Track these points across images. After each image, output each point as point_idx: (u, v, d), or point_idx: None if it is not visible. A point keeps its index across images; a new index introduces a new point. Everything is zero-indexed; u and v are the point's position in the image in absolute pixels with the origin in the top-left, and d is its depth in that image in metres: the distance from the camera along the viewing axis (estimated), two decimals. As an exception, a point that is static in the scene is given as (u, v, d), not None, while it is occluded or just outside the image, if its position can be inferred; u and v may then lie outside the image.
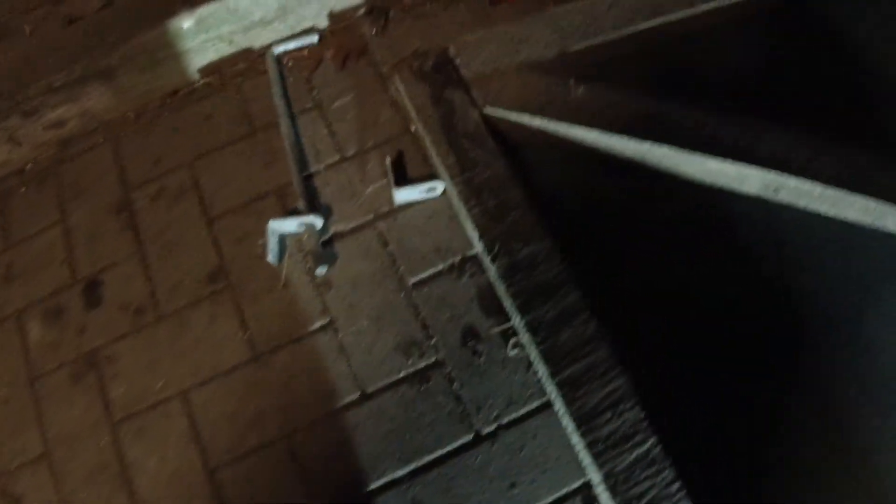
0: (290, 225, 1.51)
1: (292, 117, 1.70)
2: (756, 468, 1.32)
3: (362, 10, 1.85)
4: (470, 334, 1.44)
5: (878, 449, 1.33)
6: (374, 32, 1.82)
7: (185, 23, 1.68)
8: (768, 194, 1.53)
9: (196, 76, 1.81)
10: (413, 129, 1.62)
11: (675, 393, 1.38)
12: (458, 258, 1.50)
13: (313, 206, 1.56)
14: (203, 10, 1.68)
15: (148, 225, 1.64)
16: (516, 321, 1.37)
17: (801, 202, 1.52)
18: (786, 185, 1.49)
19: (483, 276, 1.48)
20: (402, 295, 1.48)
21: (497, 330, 1.44)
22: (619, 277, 1.48)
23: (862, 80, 1.64)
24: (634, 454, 1.22)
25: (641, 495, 1.19)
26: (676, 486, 1.19)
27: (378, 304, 1.47)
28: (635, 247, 1.52)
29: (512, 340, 1.43)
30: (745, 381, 1.39)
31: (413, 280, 1.49)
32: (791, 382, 1.41)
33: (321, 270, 1.48)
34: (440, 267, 1.50)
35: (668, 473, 1.20)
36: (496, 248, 1.37)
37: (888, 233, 1.50)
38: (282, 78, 1.77)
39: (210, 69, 1.81)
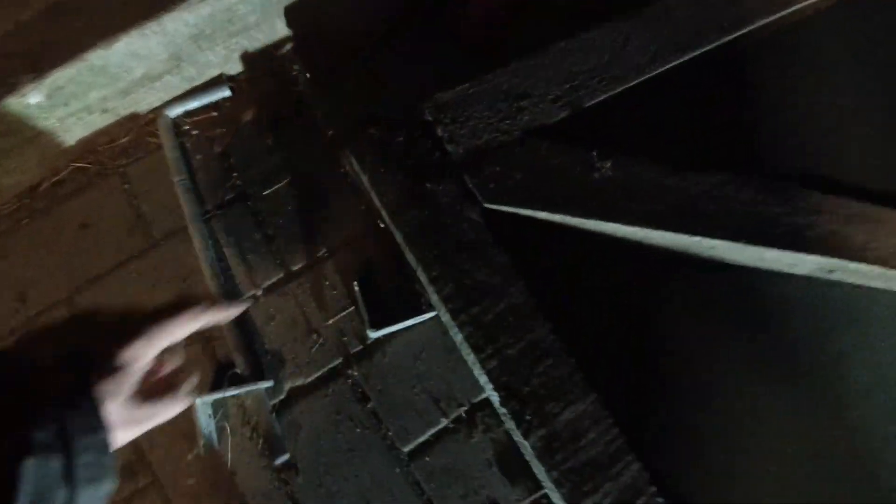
0: (226, 395, 1.07)
1: (206, 217, 1.22)
2: None
3: (288, 47, 1.34)
4: (493, 513, 1.08)
5: None
6: (308, 77, 1.33)
7: (33, 97, 1.15)
8: (821, 275, 1.22)
9: (61, 162, 1.28)
10: (382, 225, 1.18)
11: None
12: (464, 408, 1.12)
13: (254, 356, 1.12)
14: (56, 77, 1.15)
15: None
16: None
17: (853, 279, 1.23)
18: (843, 268, 1.18)
19: (500, 428, 1.11)
20: (396, 470, 1.09)
21: (528, 502, 1.09)
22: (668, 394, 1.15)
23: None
24: None
25: None
26: None
27: (365, 488, 1.08)
28: (688, 356, 1.18)
29: (548, 513, 1.08)
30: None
31: (408, 447, 1.10)
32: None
33: (282, 459, 1.06)
34: (442, 424, 1.11)
35: None
36: (527, 417, 0.99)
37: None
38: (185, 155, 1.27)
39: (80, 150, 1.28)
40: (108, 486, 0.48)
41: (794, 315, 1.24)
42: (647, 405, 1.11)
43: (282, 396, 1.12)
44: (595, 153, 1.12)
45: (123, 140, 1.30)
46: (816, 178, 1.27)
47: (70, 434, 0.45)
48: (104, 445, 0.48)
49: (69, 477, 0.45)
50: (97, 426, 0.48)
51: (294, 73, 1.34)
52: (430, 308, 1.13)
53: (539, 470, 1.02)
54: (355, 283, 1.12)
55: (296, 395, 1.13)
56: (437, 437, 1.11)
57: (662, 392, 1.14)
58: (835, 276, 1.23)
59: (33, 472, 0.43)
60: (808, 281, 1.25)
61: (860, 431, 1.16)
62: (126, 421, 0.54)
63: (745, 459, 1.09)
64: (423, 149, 1.12)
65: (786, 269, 1.24)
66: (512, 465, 1.10)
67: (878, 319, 1.26)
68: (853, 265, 1.18)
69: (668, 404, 1.12)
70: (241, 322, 1.15)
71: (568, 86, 1.16)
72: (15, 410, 0.46)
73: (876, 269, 1.17)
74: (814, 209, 1.18)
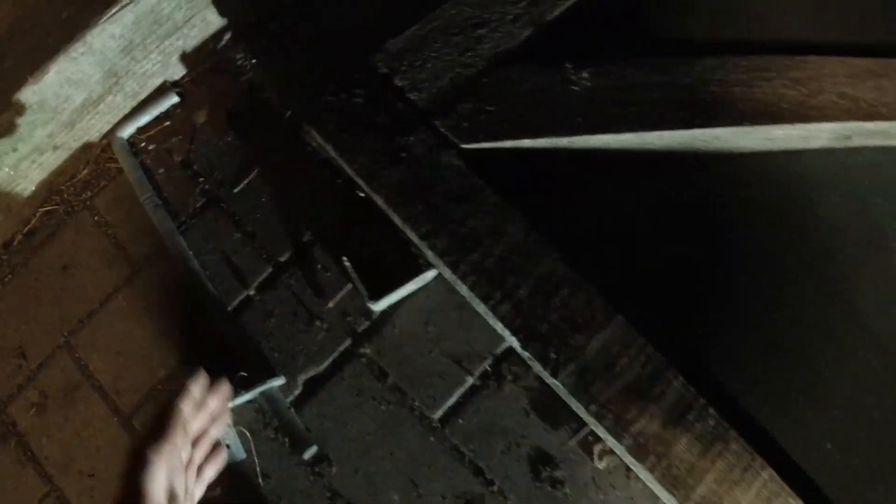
0: (239, 401, 1.03)
1: (182, 230, 1.17)
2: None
3: (227, 37, 1.28)
4: (541, 461, 1.03)
5: None
6: (253, 63, 1.26)
7: (-26, 148, 1.11)
8: (838, 144, 1.14)
9: (28, 211, 1.24)
10: (363, 194, 1.12)
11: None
12: (488, 362, 1.07)
13: (260, 356, 1.08)
14: (-6, 122, 1.10)
15: (46, 450, 1.13)
16: (605, 437, 0.96)
17: (873, 141, 1.13)
18: (859, 131, 1.10)
19: (529, 373, 1.06)
20: (431, 439, 1.05)
21: (574, 442, 1.03)
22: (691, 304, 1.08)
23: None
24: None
25: None
26: None
27: (404, 464, 1.04)
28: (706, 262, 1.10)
29: (597, 449, 1.03)
30: None
31: (438, 414, 1.06)
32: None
33: (310, 453, 1.02)
34: (468, 382, 1.06)
35: None
36: (552, 355, 0.93)
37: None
38: (146, 173, 1.22)
39: (43, 193, 1.24)
40: None
41: (818, 191, 1.15)
42: (678, 316, 1.05)
43: (298, 391, 1.08)
44: (569, 66, 1.04)
45: (83, 173, 1.25)
46: (812, 43, 1.18)
47: None
48: None
49: None
50: None
51: (239, 62, 1.27)
52: (430, 266, 1.07)
53: (577, 407, 0.97)
54: (344, 258, 1.06)
55: (312, 386, 1.08)
56: (466, 397, 1.06)
57: (690, 299, 1.07)
58: (854, 143, 1.15)
59: None
60: (826, 153, 1.16)
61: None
62: None
63: (780, 354, 1.02)
64: (385, 104, 1.05)
65: (800, 146, 1.15)
66: (550, 409, 1.05)
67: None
68: (870, 125, 1.09)
69: (698, 310, 1.06)
70: (240, 325, 1.10)
71: (525, 2, 1.08)
72: None
73: (894, 125, 1.09)
74: (815, 75, 1.10)
